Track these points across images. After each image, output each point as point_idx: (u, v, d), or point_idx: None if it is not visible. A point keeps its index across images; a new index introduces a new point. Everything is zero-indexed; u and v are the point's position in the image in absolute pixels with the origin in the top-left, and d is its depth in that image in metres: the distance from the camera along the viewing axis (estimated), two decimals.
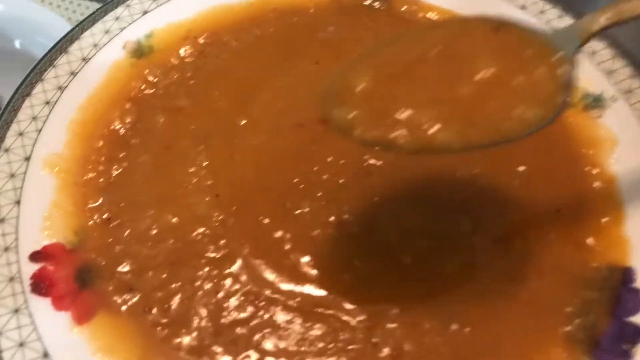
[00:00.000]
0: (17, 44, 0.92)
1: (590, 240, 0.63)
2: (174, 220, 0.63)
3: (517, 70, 0.49)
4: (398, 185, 0.65)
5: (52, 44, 0.72)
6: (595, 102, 0.72)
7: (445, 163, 0.67)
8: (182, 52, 0.77)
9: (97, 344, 0.56)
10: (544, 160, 0.69)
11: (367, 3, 0.83)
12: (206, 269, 0.60)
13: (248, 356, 0.56)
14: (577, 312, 0.59)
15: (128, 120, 0.71)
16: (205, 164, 0.67)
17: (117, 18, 0.76)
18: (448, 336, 0.57)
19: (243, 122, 0.70)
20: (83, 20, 0.74)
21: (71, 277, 0.59)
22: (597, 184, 0.67)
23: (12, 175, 0.63)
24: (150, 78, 0.74)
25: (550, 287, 0.61)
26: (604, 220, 0.64)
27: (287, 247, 0.61)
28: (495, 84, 0.49)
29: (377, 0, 0.83)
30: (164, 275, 0.60)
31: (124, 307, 0.58)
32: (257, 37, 0.80)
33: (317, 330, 0.57)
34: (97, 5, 0.91)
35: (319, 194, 0.64)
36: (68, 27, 0.80)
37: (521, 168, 0.67)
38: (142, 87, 0.73)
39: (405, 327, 0.57)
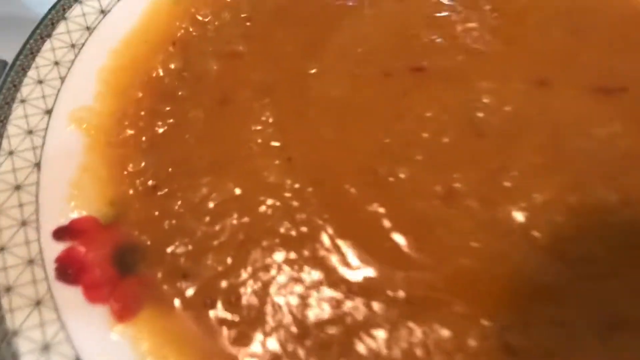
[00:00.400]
0: (36, 14, 0.79)
1: None
2: (237, 189, 0.50)
3: None
4: (519, 145, 0.51)
5: None
6: None
7: (574, 120, 0.53)
8: None
9: (144, 346, 0.43)
10: None
11: None
12: (282, 252, 0.47)
13: None
14: None
15: (173, 66, 0.57)
16: (271, 120, 0.54)
17: None
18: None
19: (313, 71, 0.57)
20: None
21: (108, 260, 0.46)
22: None
23: (30, 132, 0.50)
24: (199, 17, 0.60)
25: None
26: None
27: (383, 223, 0.48)
28: None
29: None
30: (229, 259, 0.47)
31: (177, 300, 0.45)
32: None
33: (433, 331, 0.43)
34: None
35: (418, 157, 0.51)
36: None
37: None
38: (189, 28, 0.59)
39: (552, 326, 0.44)
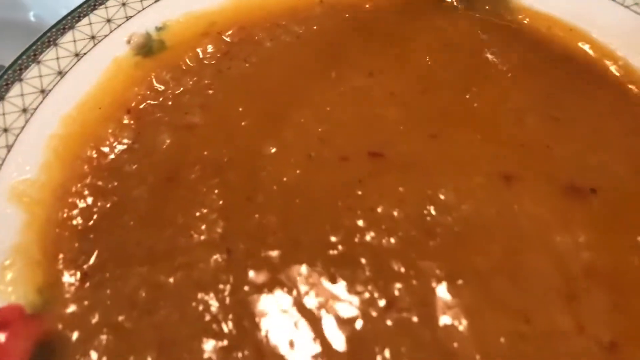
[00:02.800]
0: (32, 15, 0.79)
1: None
2: (170, 282, 0.47)
3: None
4: (470, 252, 0.48)
5: None
6: None
7: (538, 223, 0.49)
8: (200, 51, 0.60)
9: None
10: None
11: None
12: (205, 357, 0.44)
13: None
14: None
15: (124, 137, 0.55)
16: (219, 203, 0.51)
17: (123, 3, 0.60)
18: None
19: (272, 150, 0.54)
20: (79, 6, 0.58)
21: (27, 355, 0.43)
22: None
23: None
24: (158, 84, 0.58)
25: None
26: None
27: (320, 339, 0.44)
28: None
29: None
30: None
31: None
32: (298, 37, 0.63)
33: None
34: None
35: (362, 260, 0.47)
36: None
37: None
38: (147, 95, 0.57)
39: None
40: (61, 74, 0.56)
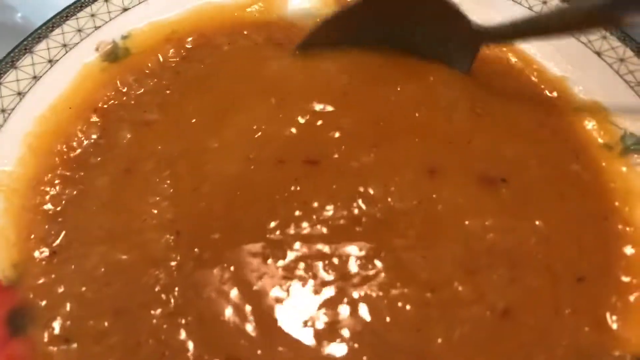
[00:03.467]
0: (19, 17, 0.81)
1: (614, 321, 0.52)
2: (125, 259, 0.54)
3: None
4: (393, 242, 0.53)
5: None
6: (637, 146, 0.60)
7: (452, 210, 0.55)
8: (162, 56, 0.67)
9: None
10: (568, 213, 0.57)
11: None
12: (154, 322, 0.50)
13: None
14: None
15: (92, 134, 0.61)
16: (169, 192, 0.57)
17: (92, 15, 0.66)
18: None
19: (215, 146, 0.60)
20: (53, 17, 0.65)
21: (2, 320, 0.51)
22: (629, 249, 0.55)
23: None
24: (122, 86, 0.64)
25: None
26: (633, 296, 0.53)
27: (253, 308, 0.51)
28: None
29: None
30: (106, 324, 0.50)
31: None
32: (255, 44, 0.69)
33: None
34: None
35: (295, 245, 0.53)
36: None
37: (539, 222, 0.56)
38: (112, 95, 0.64)
39: None
40: (36, 78, 0.62)
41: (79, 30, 0.65)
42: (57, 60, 0.63)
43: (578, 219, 0.57)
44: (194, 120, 0.62)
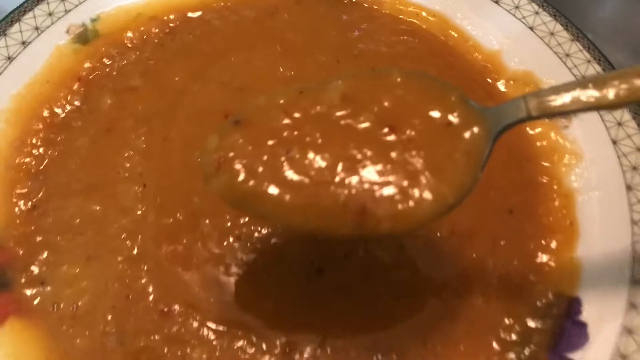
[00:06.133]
0: None
1: (540, 256, 0.52)
2: (98, 209, 0.54)
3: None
4: None
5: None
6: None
7: None
8: (142, 32, 0.69)
9: (4, 351, 0.48)
10: (499, 162, 0.57)
11: None
12: (119, 267, 0.51)
13: None
14: (518, 340, 0.47)
15: (74, 102, 0.61)
16: (142, 147, 0.58)
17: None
18: None
19: (191, 100, 0.61)
20: (25, 1, 0.64)
21: None
22: (556, 200, 0.56)
23: None
24: (106, 58, 0.65)
25: (494, 305, 0.50)
26: (555, 238, 0.53)
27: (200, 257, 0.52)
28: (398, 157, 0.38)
29: None
30: (77, 270, 0.51)
31: (35, 302, 0.50)
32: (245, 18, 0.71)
33: (227, 351, 0.48)
34: None
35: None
36: None
37: None
38: (96, 67, 0.64)
39: (329, 355, 0.48)
40: (10, 59, 0.61)
41: (50, 14, 0.64)
42: (30, 42, 0.63)
43: (509, 165, 0.58)
44: (176, 79, 0.63)
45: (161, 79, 0.63)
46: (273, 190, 0.36)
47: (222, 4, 0.71)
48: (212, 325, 0.49)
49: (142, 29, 0.68)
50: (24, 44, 0.62)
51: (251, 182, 0.36)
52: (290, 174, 0.36)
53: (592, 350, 0.46)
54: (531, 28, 0.64)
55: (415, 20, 0.69)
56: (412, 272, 0.51)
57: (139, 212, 0.54)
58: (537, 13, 0.64)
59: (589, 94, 0.37)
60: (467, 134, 0.37)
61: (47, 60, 0.63)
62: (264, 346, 0.48)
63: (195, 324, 0.49)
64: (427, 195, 0.35)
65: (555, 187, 0.56)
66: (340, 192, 0.36)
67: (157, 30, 0.68)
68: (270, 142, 0.38)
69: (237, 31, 0.67)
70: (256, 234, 0.53)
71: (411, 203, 0.35)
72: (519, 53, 0.59)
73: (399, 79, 0.40)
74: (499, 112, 0.39)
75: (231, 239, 0.53)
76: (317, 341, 0.48)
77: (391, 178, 0.36)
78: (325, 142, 0.37)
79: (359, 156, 0.37)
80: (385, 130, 0.38)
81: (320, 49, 0.66)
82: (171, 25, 0.68)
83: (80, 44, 0.64)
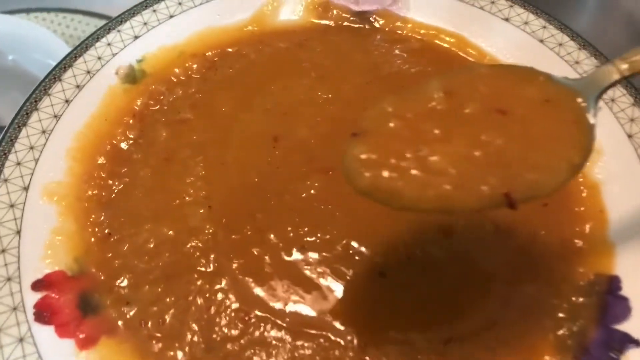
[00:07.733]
0: (10, 60, 0.84)
1: (577, 242, 0.57)
2: (170, 233, 0.57)
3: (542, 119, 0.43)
4: None
5: (44, 60, 0.68)
6: None
7: None
8: (186, 69, 0.73)
9: None
10: None
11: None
12: (199, 283, 0.55)
13: None
14: (566, 317, 0.52)
15: (131, 135, 0.65)
16: (202, 174, 0.62)
17: (109, 44, 0.70)
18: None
19: (242, 130, 0.66)
20: (75, 48, 0.68)
21: (74, 304, 0.54)
22: (584, 191, 0.62)
23: (12, 206, 0.57)
24: (156, 95, 0.69)
25: (542, 289, 0.54)
26: (589, 224, 0.59)
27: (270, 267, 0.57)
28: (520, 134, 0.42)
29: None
30: (159, 289, 0.54)
31: (120, 322, 0.53)
32: (278, 50, 0.76)
33: (307, 350, 0.52)
34: (89, 20, 0.89)
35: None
36: (60, 42, 0.77)
37: None
38: (148, 104, 0.69)
39: (399, 345, 0.52)
40: (68, 102, 0.65)
41: (99, 58, 0.68)
42: (84, 85, 0.67)
43: None
44: (223, 109, 0.67)
45: (210, 110, 0.67)
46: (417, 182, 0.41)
47: (255, 38, 0.75)
48: (290, 328, 0.53)
49: (186, 65, 0.72)
50: (79, 87, 0.66)
51: (394, 178, 0.41)
52: (433, 165, 0.41)
53: (636, 320, 0.51)
54: (541, 41, 0.70)
55: (436, 41, 0.74)
56: (466, 266, 0.56)
57: (208, 232, 0.58)
58: (545, 27, 0.70)
59: None
60: (566, 106, 0.43)
61: (102, 100, 0.66)
62: (342, 342, 0.52)
63: (274, 328, 0.53)
64: (558, 161, 0.41)
65: (581, 179, 0.61)
66: (484, 174, 0.40)
67: (199, 66, 0.72)
68: (397, 145, 0.42)
69: (273, 62, 0.72)
70: (319, 242, 0.58)
71: (547, 171, 0.40)
72: (532, 64, 0.65)
73: (484, 70, 0.45)
74: (591, 80, 0.45)
75: (295, 250, 0.57)
76: (390, 338, 0.52)
77: (522, 152, 0.41)
78: (447, 134, 0.42)
79: (483, 137, 0.41)
80: (496, 114, 0.42)
81: (351, 72, 0.70)
82: (212, 60, 0.73)
83: (129, 83, 0.69)
